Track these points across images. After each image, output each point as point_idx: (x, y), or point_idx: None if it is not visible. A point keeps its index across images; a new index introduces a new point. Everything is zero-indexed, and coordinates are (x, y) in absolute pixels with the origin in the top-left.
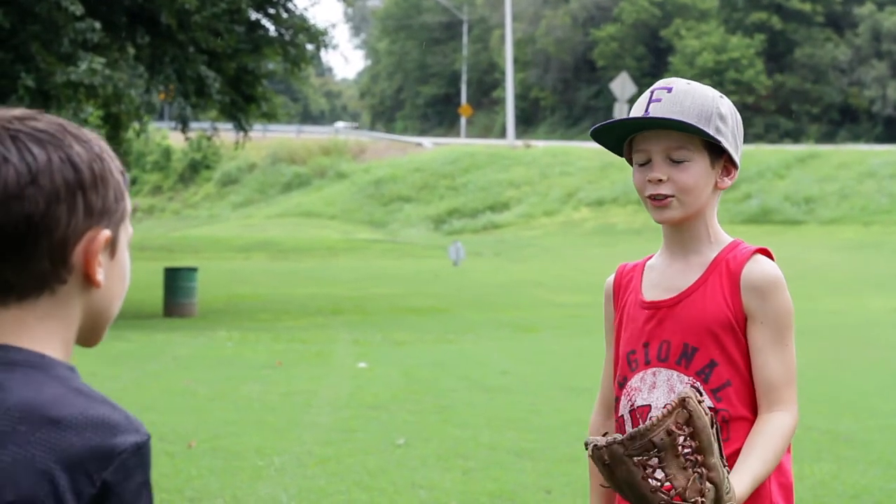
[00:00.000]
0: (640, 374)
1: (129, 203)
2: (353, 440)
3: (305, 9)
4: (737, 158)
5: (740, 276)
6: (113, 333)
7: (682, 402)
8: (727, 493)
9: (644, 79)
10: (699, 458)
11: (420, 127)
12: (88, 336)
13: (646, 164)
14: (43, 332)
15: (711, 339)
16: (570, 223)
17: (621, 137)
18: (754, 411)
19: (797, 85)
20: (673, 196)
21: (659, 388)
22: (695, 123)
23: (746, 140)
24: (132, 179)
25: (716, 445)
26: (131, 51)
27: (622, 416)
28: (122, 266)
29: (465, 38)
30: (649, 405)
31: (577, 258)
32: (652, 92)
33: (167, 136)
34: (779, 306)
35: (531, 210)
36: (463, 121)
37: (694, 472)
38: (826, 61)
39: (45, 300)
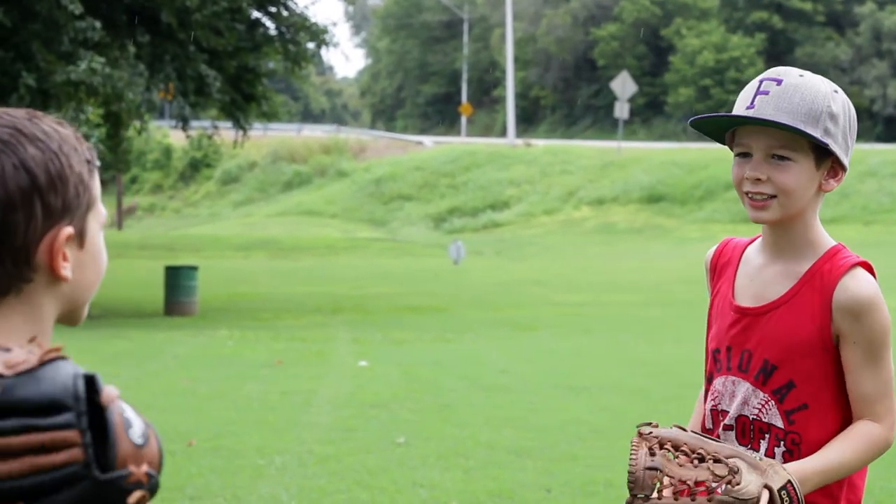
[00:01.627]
0: (723, 378)
1: (96, 189)
2: (353, 439)
3: (306, 7)
4: (845, 160)
5: (833, 293)
6: (113, 332)
7: (639, 436)
8: (736, 472)
9: (644, 78)
10: (699, 453)
11: (420, 125)
12: (69, 318)
13: (745, 156)
14: (7, 328)
15: (794, 358)
16: (571, 222)
17: (722, 126)
18: (827, 435)
19: None
20: (773, 196)
21: (736, 399)
22: (801, 125)
23: None
24: (132, 178)
25: (708, 440)
26: (131, 49)
27: (706, 412)
28: (93, 253)
29: (465, 37)
30: (727, 412)
31: (577, 257)
32: (761, 82)
33: (168, 134)
34: (872, 326)
35: (531, 209)
36: (463, 119)
37: (701, 464)
38: (827, 60)
39: (11, 298)
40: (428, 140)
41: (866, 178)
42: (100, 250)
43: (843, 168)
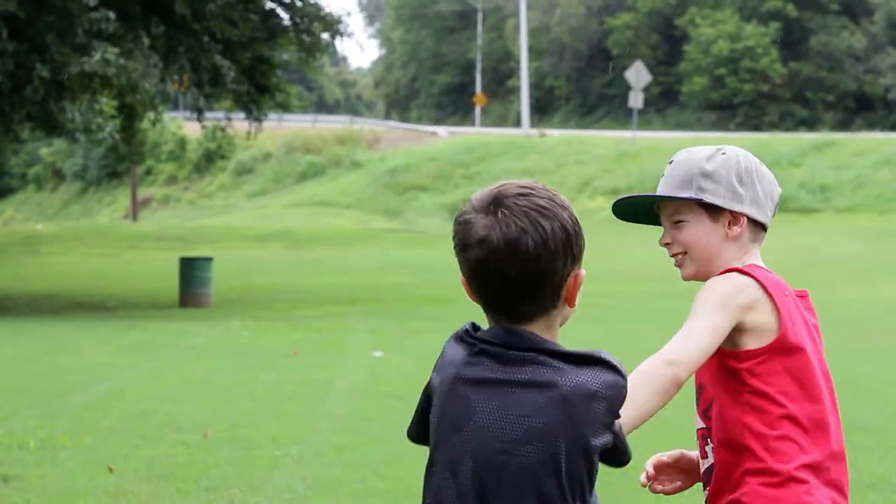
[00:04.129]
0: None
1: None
2: (369, 429)
3: None
4: (739, 207)
5: None
6: (129, 323)
7: None
8: None
9: (659, 67)
10: None
11: (435, 116)
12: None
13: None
14: (542, 334)
15: (704, 368)
16: (586, 212)
17: (643, 208)
18: (738, 426)
19: (812, 73)
20: (682, 253)
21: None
22: (673, 192)
23: (762, 128)
24: (147, 170)
25: None
26: (146, 41)
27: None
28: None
29: (479, 27)
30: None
31: (592, 247)
32: (669, 163)
33: (182, 125)
34: (703, 289)
35: None
36: (477, 110)
37: None
38: (841, 49)
39: (543, 319)
40: (442, 130)
41: (881, 167)
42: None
43: (742, 214)
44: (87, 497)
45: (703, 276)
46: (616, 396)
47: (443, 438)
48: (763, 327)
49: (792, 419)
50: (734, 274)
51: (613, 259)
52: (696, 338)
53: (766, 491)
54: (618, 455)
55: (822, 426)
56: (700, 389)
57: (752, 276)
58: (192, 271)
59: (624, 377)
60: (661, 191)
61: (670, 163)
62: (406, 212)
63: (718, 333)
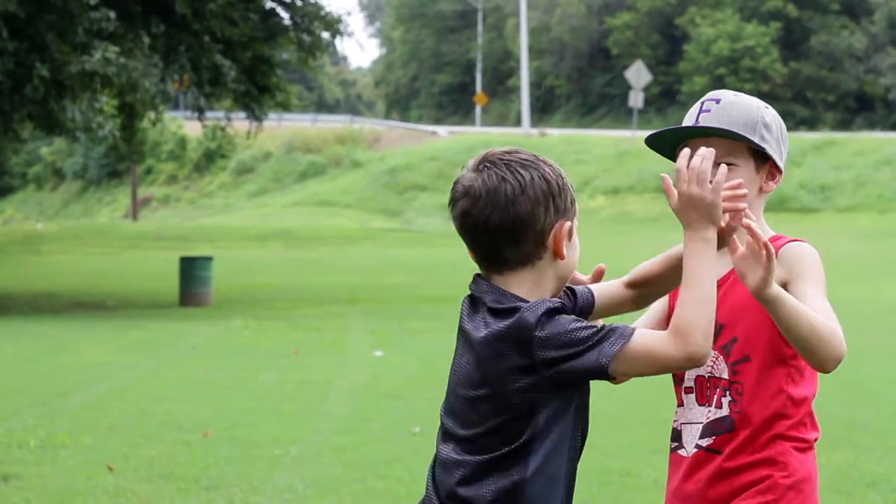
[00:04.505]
0: None
1: (577, 204)
2: (369, 429)
3: None
4: (781, 164)
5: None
6: (129, 322)
7: None
8: None
9: (659, 67)
10: None
11: (435, 115)
12: (558, 287)
13: None
14: (518, 288)
15: (736, 317)
16: (586, 211)
17: (674, 145)
18: (774, 387)
19: (813, 73)
20: None
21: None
22: (741, 132)
23: None
24: (147, 169)
25: None
26: (146, 40)
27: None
28: (575, 245)
29: (479, 27)
30: (683, 376)
31: (592, 246)
32: (702, 103)
33: (182, 125)
34: (808, 262)
35: None
36: (478, 109)
37: None
38: (842, 49)
39: (528, 269)
40: (442, 130)
41: (882, 167)
42: (577, 245)
43: (780, 171)
44: (86, 496)
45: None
46: (520, 339)
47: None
48: None
49: (812, 397)
50: (815, 249)
51: (613, 258)
52: (832, 309)
53: (798, 454)
54: (586, 373)
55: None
56: (733, 342)
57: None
58: (192, 271)
59: (534, 318)
60: (718, 126)
61: (715, 101)
62: (406, 211)
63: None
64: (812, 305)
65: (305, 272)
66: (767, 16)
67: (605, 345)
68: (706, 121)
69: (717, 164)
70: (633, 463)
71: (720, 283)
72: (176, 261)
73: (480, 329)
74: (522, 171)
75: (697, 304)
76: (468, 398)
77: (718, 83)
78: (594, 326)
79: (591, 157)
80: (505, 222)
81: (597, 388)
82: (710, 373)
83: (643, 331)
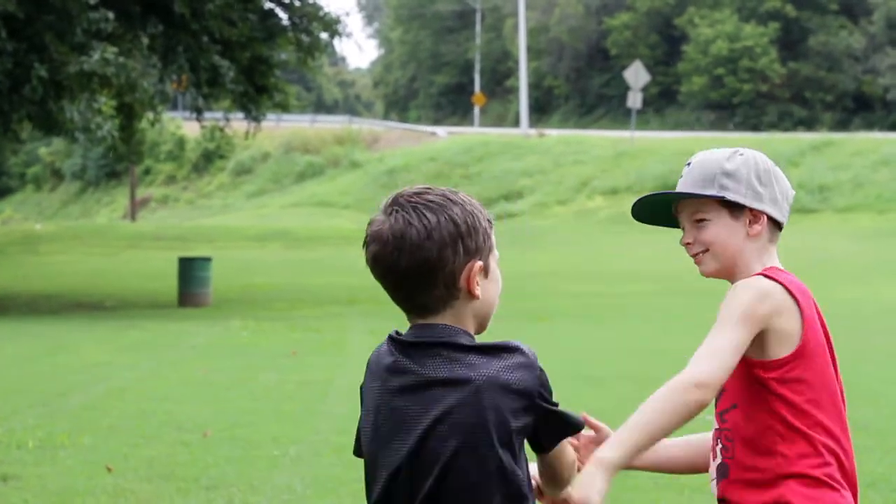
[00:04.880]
0: None
1: (494, 239)
2: None
3: None
4: (760, 205)
5: None
6: (129, 322)
7: None
8: None
9: (657, 67)
10: None
11: (433, 116)
12: (480, 327)
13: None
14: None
15: None
16: (584, 212)
17: (669, 216)
18: (762, 433)
19: (811, 73)
20: (704, 251)
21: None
22: (696, 190)
23: (761, 128)
24: (146, 170)
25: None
26: (144, 41)
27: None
28: (494, 281)
29: (478, 27)
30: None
31: (591, 247)
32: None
33: (181, 125)
34: (726, 300)
35: (545, 199)
36: (476, 110)
37: None
38: (840, 49)
39: (446, 313)
40: (441, 130)
41: (880, 167)
42: (497, 280)
43: (761, 212)
44: (86, 496)
45: (723, 274)
46: (529, 380)
47: (382, 445)
48: (789, 332)
49: (821, 426)
50: (760, 278)
51: (612, 259)
52: (722, 357)
53: (807, 490)
54: (559, 430)
55: (844, 431)
56: (721, 392)
57: (779, 282)
58: (190, 271)
59: (533, 359)
60: (682, 190)
61: (688, 165)
62: None
63: (741, 349)
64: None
65: (304, 272)
66: (766, 16)
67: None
68: (679, 185)
69: (693, 224)
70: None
71: None
72: (175, 261)
73: (467, 372)
74: (429, 215)
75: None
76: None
77: (717, 83)
78: None
79: (590, 157)
80: (413, 267)
81: (594, 389)
82: (715, 426)
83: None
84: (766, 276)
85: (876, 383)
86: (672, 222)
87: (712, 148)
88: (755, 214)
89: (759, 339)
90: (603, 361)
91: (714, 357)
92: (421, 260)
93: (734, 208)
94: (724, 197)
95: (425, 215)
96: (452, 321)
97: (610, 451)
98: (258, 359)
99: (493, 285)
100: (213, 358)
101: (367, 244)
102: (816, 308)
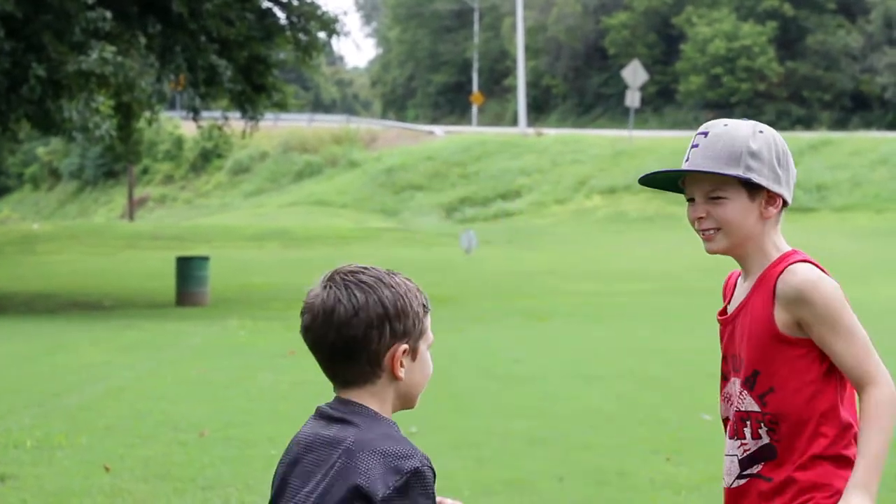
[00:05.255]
0: (732, 380)
1: (427, 323)
2: None
3: None
4: (777, 188)
5: (774, 287)
6: (126, 322)
7: None
8: None
9: (655, 66)
10: None
11: (431, 115)
12: (403, 405)
13: (692, 200)
14: (371, 404)
15: (755, 349)
16: (582, 211)
17: (672, 179)
18: (806, 410)
19: (809, 72)
20: (716, 229)
21: (735, 399)
22: (723, 169)
23: None
24: (143, 169)
25: None
26: (142, 40)
27: (726, 417)
28: (421, 364)
29: (476, 26)
30: (741, 411)
31: (589, 246)
32: (695, 136)
33: (179, 125)
34: (819, 304)
35: (543, 198)
36: (474, 109)
37: None
38: (838, 48)
39: (368, 388)
40: (439, 130)
41: (878, 167)
42: (426, 363)
43: (779, 194)
44: (83, 496)
45: (730, 252)
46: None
47: (277, 500)
48: None
49: (851, 402)
50: (822, 275)
51: (610, 258)
52: (870, 345)
53: (839, 471)
54: None
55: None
56: (754, 375)
57: (826, 273)
58: (188, 270)
59: (419, 469)
60: (703, 164)
61: (703, 134)
62: (402, 211)
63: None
64: (840, 357)
65: (302, 272)
66: (764, 15)
67: None
68: (694, 157)
69: (708, 200)
70: (629, 463)
71: (733, 317)
72: (172, 260)
73: (346, 433)
74: (359, 294)
75: None
76: None
77: (715, 82)
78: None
79: (588, 156)
80: (339, 342)
81: (593, 388)
82: (738, 408)
83: None
84: (817, 266)
85: None
86: (675, 188)
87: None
88: (771, 197)
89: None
90: (601, 360)
91: (870, 349)
92: (347, 337)
93: (753, 189)
94: (750, 179)
95: (355, 294)
96: (371, 398)
97: (868, 477)
98: (255, 358)
99: (419, 367)
100: (211, 358)
101: (302, 313)
102: None
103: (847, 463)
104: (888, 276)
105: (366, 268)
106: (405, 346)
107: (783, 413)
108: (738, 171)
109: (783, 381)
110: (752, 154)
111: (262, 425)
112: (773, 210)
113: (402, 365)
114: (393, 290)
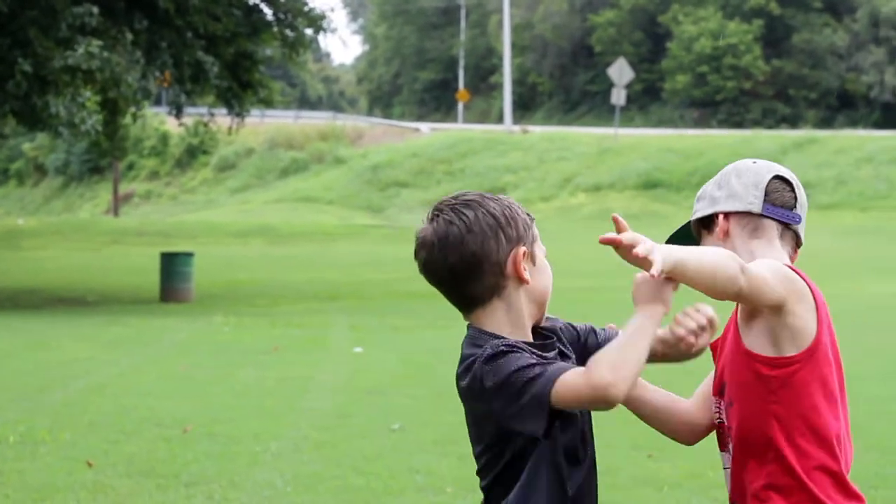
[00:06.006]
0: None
1: (536, 230)
2: (349, 425)
3: None
4: (713, 208)
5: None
6: (110, 318)
7: None
8: None
9: (642, 64)
10: None
11: (417, 112)
12: (538, 311)
13: None
14: (494, 322)
15: (729, 366)
16: (568, 208)
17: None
18: (763, 444)
19: (795, 70)
20: None
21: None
22: (697, 216)
23: (744, 126)
24: (129, 165)
25: None
26: (129, 36)
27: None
28: (541, 268)
29: (462, 23)
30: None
31: (574, 243)
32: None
33: (164, 121)
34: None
35: (528, 195)
36: (460, 106)
37: None
38: (824, 47)
39: (497, 303)
40: (425, 127)
41: (863, 165)
42: (546, 267)
43: (716, 214)
44: (66, 492)
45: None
46: (473, 376)
47: None
48: (802, 328)
49: (818, 435)
50: (778, 262)
51: (596, 255)
52: (765, 267)
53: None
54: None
55: (843, 440)
56: (723, 387)
57: (796, 272)
58: (172, 266)
59: (483, 356)
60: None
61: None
62: (388, 208)
63: (773, 281)
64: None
65: (287, 268)
66: (750, 13)
67: (539, 384)
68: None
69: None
70: (612, 460)
71: (718, 343)
72: (157, 256)
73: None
74: (467, 211)
75: (617, 346)
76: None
77: (701, 80)
78: (535, 365)
79: (573, 154)
80: (459, 262)
81: None
82: (720, 419)
83: (574, 368)
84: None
85: (855, 380)
86: None
87: (694, 144)
88: (726, 216)
89: (771, 332)
90: None
91: (759, 265)
92: (467, 255)
93: (707, 225)
94: (689, 221)
95: (463, 213)
96: (506, 308)
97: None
98: (239, 355)
99: (542, 272)
100: (195, 354)
101: (416, 254)
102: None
103: (801, 491)
104: (873, 274)
105: (464, 192)
106: (524, 249)
107: (741, 435)
108: (702, 212)
109: (743, 400)
110: (697, 199)
111: (246, 421)
112: (716, 229)
113: (525, 268)
114: (497, 201)
